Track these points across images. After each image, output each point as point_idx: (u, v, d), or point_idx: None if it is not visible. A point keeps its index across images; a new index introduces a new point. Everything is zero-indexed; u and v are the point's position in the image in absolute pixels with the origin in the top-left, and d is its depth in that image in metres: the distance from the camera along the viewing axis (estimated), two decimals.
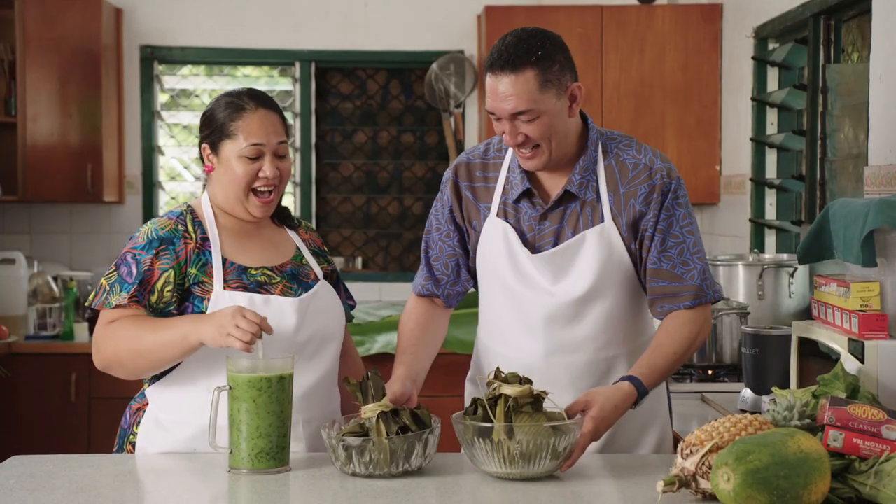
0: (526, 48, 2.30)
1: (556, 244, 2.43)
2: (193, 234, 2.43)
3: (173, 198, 5.71)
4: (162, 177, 5.70)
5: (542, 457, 2.08)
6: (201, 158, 2.51)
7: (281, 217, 2.57)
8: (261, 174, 2.42)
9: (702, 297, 2.40)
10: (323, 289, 2.50)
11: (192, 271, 2.39)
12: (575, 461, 2.15)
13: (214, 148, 2.45)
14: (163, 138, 5.71)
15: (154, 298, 2.37)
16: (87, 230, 5.57)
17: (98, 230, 5.57)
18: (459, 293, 2.60)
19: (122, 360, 2.36)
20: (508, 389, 2.12)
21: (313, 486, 2.12)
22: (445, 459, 2.27)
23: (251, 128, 2.41)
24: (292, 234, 2.57)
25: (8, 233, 5.51)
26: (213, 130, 2.45)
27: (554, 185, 2.44)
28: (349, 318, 2.63)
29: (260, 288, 2.41)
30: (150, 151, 5.64)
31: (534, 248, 2.44)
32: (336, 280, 2.59)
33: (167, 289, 2.37)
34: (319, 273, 2.53)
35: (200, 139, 2.50)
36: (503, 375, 2.17)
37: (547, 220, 2.44)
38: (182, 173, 5.78)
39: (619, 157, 2.43)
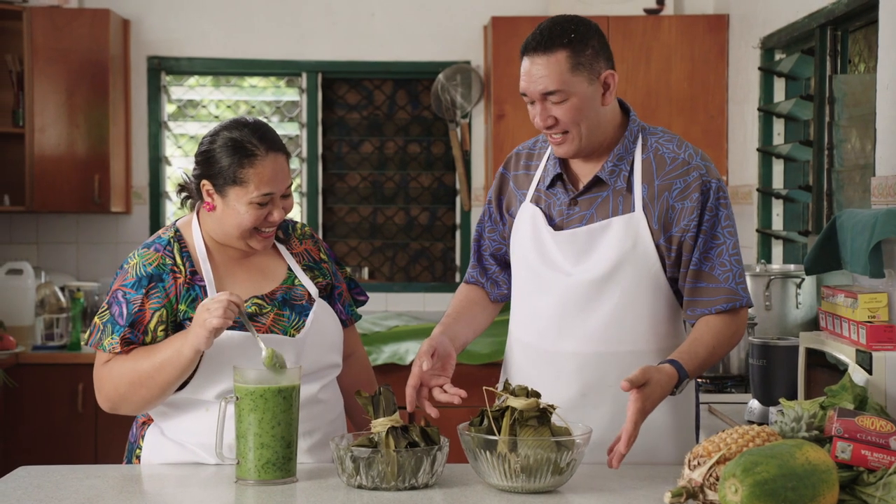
0: (560, 31, 2.35)
1: None
2: (182, 267, 2.38)
3: (180, 208, 5.72)
4: (169, 187, 5.71)
5: (544, 472, 2.07)
6: (197, 190, 2.40)
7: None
8: (269, 218, 2.37)
9: (735, 301, 2.39)
10: (319, 314, 2.45)
11: (182, 307, 2.36)
12: (630, 441, 2.13)
13: (220, 190, 2.36)
14: (170, 149, 5.72)
15: (149, 339, 2.34)
16: (95, 240, 5.58)
17: (105, 240, 5.58)
18: (500, 293, 2.63)
19: (125, 396, 2.34)
20: (515, 402, 2.12)
21: (320, 497, 2.11)
22: (452, 471, 2.27)
23: (263, 176, 2.33)
24: (284, 252, 2.51)
25: (15, 243, 5.52)
26: (217, 173, 2.35)
27: (586, 172, 2.46)
28: (357, 317, 2.61)
29: (252, 320, 2.36)
30: (157, 162, 5.65)
31: (560, 230, 2.45)
32: (330, 292, 2.54)
33: (160, 328, 2.34)
34: (314, 292, 2.47)
35: (199, 174, 2.38)
36: (511, 388, 2.17)
37: (577, 205, 2.45)
38: None
39: (657, 150, 2.44)
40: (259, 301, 2.41)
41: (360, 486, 2.14)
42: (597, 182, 2.43)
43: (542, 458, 2.06)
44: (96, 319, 2.38)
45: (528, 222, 2.49)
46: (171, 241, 2.41)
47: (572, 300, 2.42)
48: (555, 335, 2.44)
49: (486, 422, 2.14)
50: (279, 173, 2.36)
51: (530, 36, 2.38)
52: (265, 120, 5.63)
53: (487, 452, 2.08)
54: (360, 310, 2.65)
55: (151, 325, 2.34)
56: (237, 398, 2.20)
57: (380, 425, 2.18)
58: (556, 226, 2.46)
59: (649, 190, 2.40)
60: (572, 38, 2.34)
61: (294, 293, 2.45)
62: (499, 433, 2.10)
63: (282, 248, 2.51)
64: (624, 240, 2.39)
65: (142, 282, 2.36)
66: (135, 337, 2.34)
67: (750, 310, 3.83)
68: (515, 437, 2.08)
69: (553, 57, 2.34)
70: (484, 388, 2.34)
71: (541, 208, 2.48)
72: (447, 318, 2.53)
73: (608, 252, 2.40)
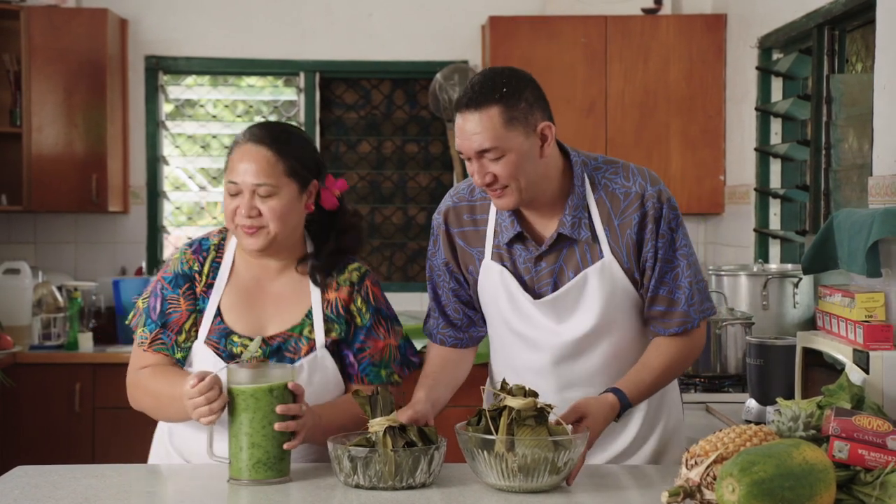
0: (491, 85, 2.26)
1: (555, 285, 2.39)
2: (204, 278, 2.39)
3: (178, 207, 5.72)
4: (166, 187, 5.71)
5: (541, 471, 2.08)
6: None
7: (315, 269, 2.40)
8: (238, 211, 2.32)
9: (688, 324, 2.40)
10: (307, 367, 2.35)
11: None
12: (577, 472, 2.15)
13: None
14: (167, 148, 5.72)
15: (181, 339, 2.38)
16: (92, 240, 5.57)
17: (103, 240, 5.57)
18: (479, 336, 2.55)
19: (148, 410, 2.41)
20: (513, 402, 2.12)
21: (315, 496, 2.11)
22: (450, 470, 2.27)
23: (234, 164, 2.34)
24: (313, 293, 2.39)
25: (13, 242, 5.52)
26: None
27: (545, 226, 2.40)
28: (389, 382, 2.43)
29: (231, 360, 2.30)
30: (154, 161, 5.65)
31: (533, 291, 2.40)
32: (337, 348, 2.40)
33: (194, 329, 2.39)
34: (319, 341, 2.37)
35: None
36: (509, 387, 2.17)
37: (543, 261, 2.40)
38: (187, 183, 5.79)
39: (608, 188, 2.38)
40: (250, 342, 2.29)
41: (357, 486, 2.14)
42: (560, 237, 2.38)
43: (539, 458, 2.06)
44: (139, 302, 2.45)
45: (497, 284, 2.42)
46: (212, 248, 2.42)
47: (566, 353, 2.42)
48: (555, 388, 2.41)
49: (483, 421, 2.14)
50: (251, 165, 2.30)
51: (462, 92, 2.29)
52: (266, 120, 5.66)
53: (485, 452, 2.08)
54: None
55: (187, 326, 2.38)
56: (229, 398, 2.20)
57: (377, 425, 2.18)
58: (526, 285, 2.40)
59: (611, 231, 2.37)
60: (504, 91, 2.25)
61: (291, 344, 2.37)
62: (496, 433, 2.10)
63: (314, 289, 2.40)
64: (603, 289, 2.37)
65: (178, 280, 2.39)
66: (167, 337, 2.37)
67: (747, 309, 3.87)
68: (513, 436, 2.08)
69: (486, 113, 2.24)
70: (481, 388, 2.35)
71: (506, 266, 2.41)
72: (428, 381, 2.41)
73: (592, 305, 2.38)
